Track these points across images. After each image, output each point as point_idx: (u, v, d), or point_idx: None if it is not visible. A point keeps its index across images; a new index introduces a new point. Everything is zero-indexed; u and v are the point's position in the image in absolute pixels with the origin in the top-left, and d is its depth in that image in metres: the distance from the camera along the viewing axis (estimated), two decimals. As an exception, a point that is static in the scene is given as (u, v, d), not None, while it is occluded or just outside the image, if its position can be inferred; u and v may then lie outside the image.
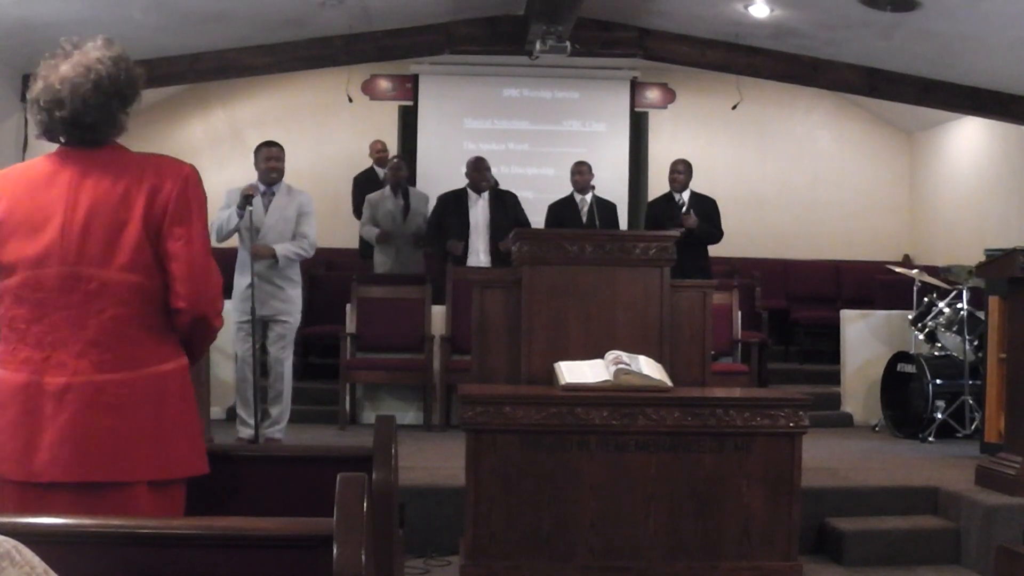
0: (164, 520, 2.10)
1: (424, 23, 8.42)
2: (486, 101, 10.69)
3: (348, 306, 7.49)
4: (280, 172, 6.10)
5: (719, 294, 6.83)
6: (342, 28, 8.13)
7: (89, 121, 2.47)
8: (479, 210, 7.75)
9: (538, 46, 7.77)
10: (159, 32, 7.35)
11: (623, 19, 8.48)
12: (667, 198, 7.91)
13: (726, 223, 7.87)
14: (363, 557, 1.82)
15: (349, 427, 7.14)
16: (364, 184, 9.27)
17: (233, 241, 6.09)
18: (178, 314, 2.51)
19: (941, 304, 6.98)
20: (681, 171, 7.81)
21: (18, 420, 2.43)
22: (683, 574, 4.18)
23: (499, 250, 7.52)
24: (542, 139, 10.68)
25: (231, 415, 6.64)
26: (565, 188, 8.18)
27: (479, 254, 7.69)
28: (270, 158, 6.07)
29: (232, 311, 5.78)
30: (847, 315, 8.02)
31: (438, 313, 7.42)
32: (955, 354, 6.92)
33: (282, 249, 5.99)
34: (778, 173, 10.99)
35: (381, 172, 9.17)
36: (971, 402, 6.68)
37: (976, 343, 6.65)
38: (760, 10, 7.59)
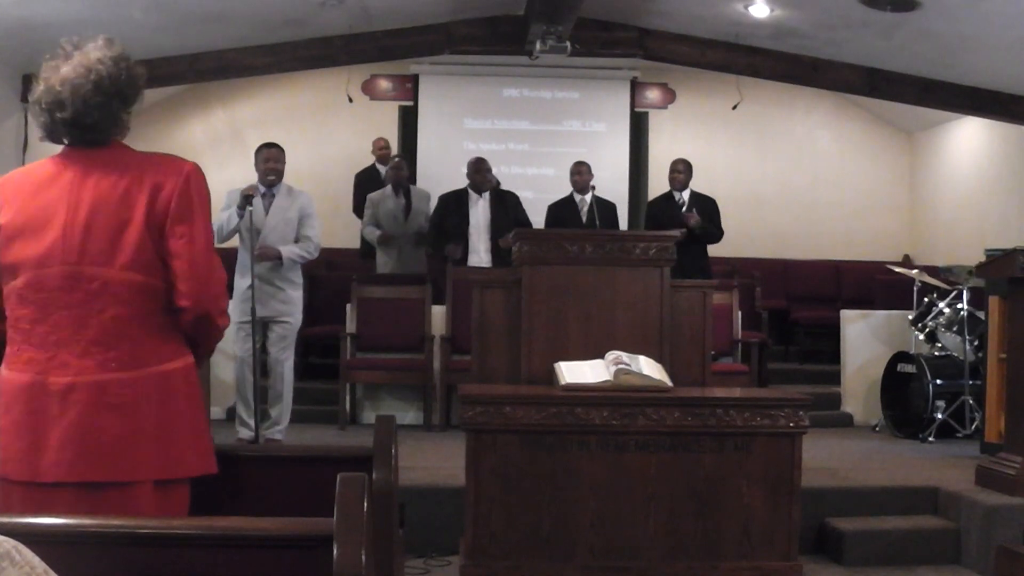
0: (164, 520, 2.10)
1: (424, 23, 8.43)
2: (486, 101, 10.69)
3: (348, 306, 7.49)
4: (279, 174, 6.09)
5: (719, 294, 6.83)
6: (342, 28, 8.13)
7: (90, 121, 2.47)
8: (480, 210, 7.75)
9: (538, 46, 7.77)
10: (159, 32, 7.35)
11: (623, 19, 8.48)
12: (667, 197, 7.91)
13: (726, 223, 7.87)
14: (363, 557, 1.82)
15: (349, 427, 7.14)
16: (365, 182, 9.28)
17: (233, 242, 6.09)
18: (182, 313, 2.50)
19: (941, 304, 6.98)
20: (681, 170, 7.81)
21: (23, 420, 2.44)
22: (683, 574, 4.18)
23: (500, 250, 7.52)
24: (542, 139, 10.68)
25: (231, 415, 6.64)
26: (565, 188, 8.18)
27: (480, 254, 7.69)
28: (268, 159, 6.07)
29: (232, 312, 5.76)
30: (847, 315, 8.02)
31: (438, 313, 7.42)
32: (955, 354, 6.92)
33: (288, 252, 6.00)
34: (778, 173, 10.99)
35: (383, 170, 9.17)
36: (971, 402, 6.68)
37: (976, 343, 6.64)
38: (760, 10, 7.59)
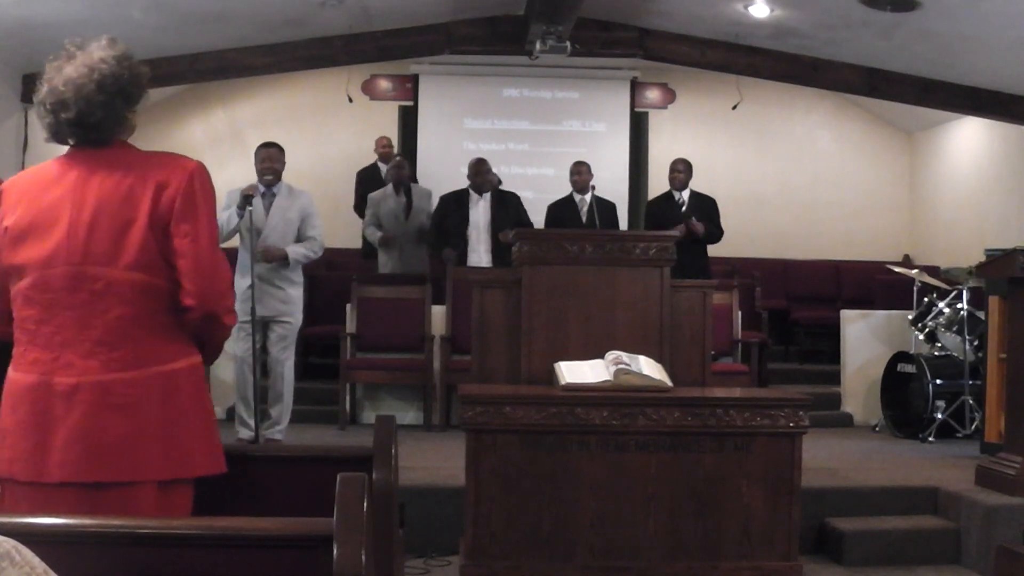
0: (164, 520, 2.11)
1: (424, 23, 8.43)
2: (486, 101, 10.69)
3: (348, 306, 7.49)
4: (276, 173, 6.08)
5: (719, 294, 6.83)
6: (342, 28, 8.13)
7: (94, 121, 2.47)
8: (480, 211, 7.75)
9: (538, 46, 7.77)
10: (159, 32, 7.35)
11: (623, 19, 8.48)
12: (667, 197, 7.91)
13: (726, 223, 7.87)
14: (363, 557, 1.82)
15: (349, 427, 7.14)
16: (366, 180, 9.29)
17: (233, 242, 6.09)
18: (187, 312, 2.49)
19: (941, 304, 6.98)
20: (681, 170, 7.81)
21: (29, 421, 2.44)
22: (683, 574, 4.18)
23: (500, 251, 7.52)
24: (542, 139, 10.69)
25: (231, 415, 6.64)
26: (565, 188, 8.18)
27: (480, 255, 7.69)
28: (265, 159, 6.07)
29: (233, 312, 5.76)
30: (847, 315, 8.02)
31: (438, 313, 7.42)
32: (955, 354, 6.92)
33: (293, 252, 6.00)
34: (778, 173, 10.99)
35: (384, 169, 9.18)
36: (971, 402, 6.68)
37: (976, 343, 6.64)
38: (760, 10, 7.59)
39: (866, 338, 7.84)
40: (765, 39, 8.24)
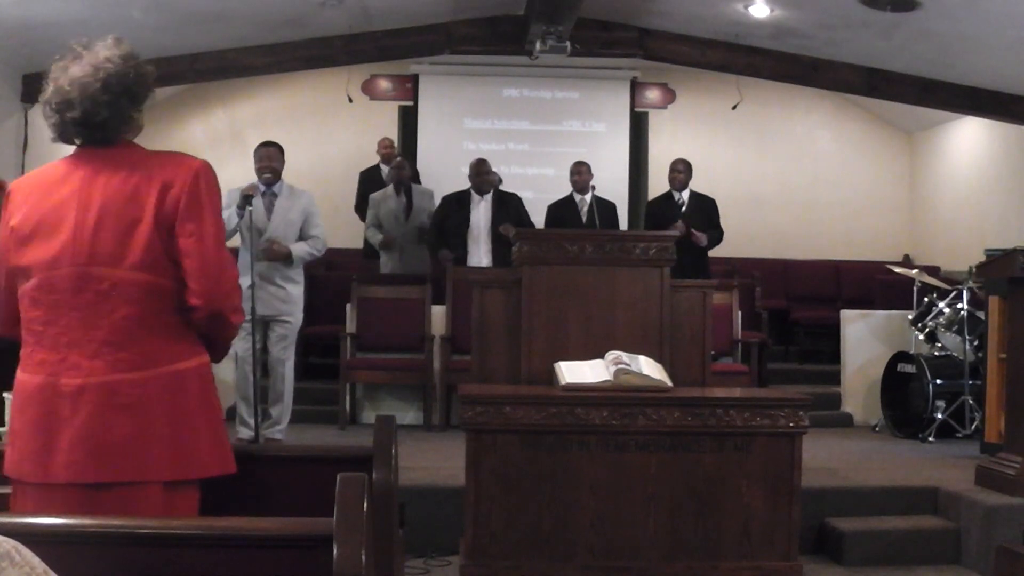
0: (164, 520, 2.11)
1: (424, 23, 8.43)
2: (486, 101, 10.69)
3: (348, 306, 7.49)
4: (274, 172, 6.07)
5: (719, 294, 6.83)
6: (342, 28, 8.13)
7: (99, 120, 2.47)
8: (481, 212, 7.75)
9: (538, 46, 7.77)
10: (159, 32, 7.35)
11: (623, 19, 8.48)
12: (666, 197, 7.91)
13: (726, 223, 7.87)
14: (363, 557, 1.82)
15: (349, 427, 7.14)
16: (368, 181, 9.29)
17: (234, 241, 6.08)
18: (194, 311, 2.49)
19: (941, 304, 6.98)
20: (681, 170, 7.81)
21: (36, 422, 2.44)
22: (683, 574, 4.18)
23: (500, 251, 7.52)
24: (542, 139, 10.69)
25: (231, 415, 6.63)
26: (565, 188, 8.18)
27: (480, 255, 7.69)
28: (264, 158, 6.07)
29: (234, 311, 5.76)
30: (847, 315, 8.02)
31: (438, 313, 7.42)
32: (955, 354, 6.92)
33: (297, 250, 6.00)
34: (778, 173, 10.99)
35: (386, 170, 9.19)
36: (971, 402, 6.68)
37: (976, 343, 6.64)
38: (760, 10, 7.59)
39: (866, 338, 7.84)
40: (765, 39, 8.25)
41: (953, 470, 5.59)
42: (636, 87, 10.77)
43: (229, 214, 5.90)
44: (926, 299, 7.11)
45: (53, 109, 2.48)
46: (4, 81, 7.77)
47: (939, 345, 7.04)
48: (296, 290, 6.11)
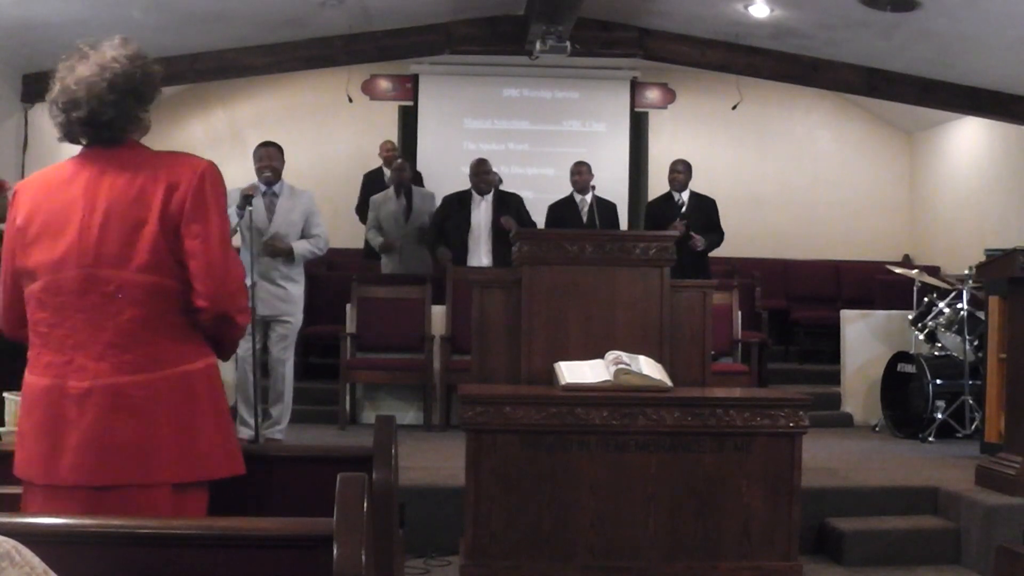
0: (164, 520, 2.11)
1: (424, 23, 8.43)
2: (486, 101, 10.69)
3: (348, 306, 7.49)
4: (275, 171, 6.07)
5: (719, 294, 6.83)
6: (342, 28, 8.13)
7: (105, 120, 2.46)
8: (482, 212, 7.74)
9: (538, 46, 7.78)
10: (159, 32, 7.35)
11: (623, 19, 8.48)
12: (666, 198, 7.91)
13: (726, 223, 7.87)
14: (363, 557, 1.82)
15: (349, 427, 7.14)
16: (370, 183, 9.30)
17: (234, 241, 6.08)
18: (200, 313, 2.48)
19: (941, 304, 6.98)
20: (681, 171, 7.81)
21: (43, 424, 2.44)
22: (683, 574, 4.18)
23: (500, 252, 7.52)
24: (542, 139, 10.69)
25: (231, 415, 6.64)
26: (565, 188, 8.18)
27: (480, 255, 7.69)
28: (263, 158, 6.07)
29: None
30: (847, 315, 8.02)
31: (438, 313, 7.42)
32: (955, 354, 6.92)
33: (299, 248, 6.01)
34: (778, 173, 10.99)
35: (388, 173, 9.19)
36: (971, 402, 6.68)
37: (976, 343, 6.64)
38: (760, 10, 7.59)
39: (866, 338, 7.84)
40: (765, 39, 8.25)
41: (953, 470, 5.59)
42: (636, 87, 10.78)
43: (229, 214, 5.90)
44: (926, 299, 7.11)
45: (60, 108, 2.48)
46: (4, 81, 7.77)
47: (939, 345, 7.04)
48: (297, 290, 6.11)
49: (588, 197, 7.72)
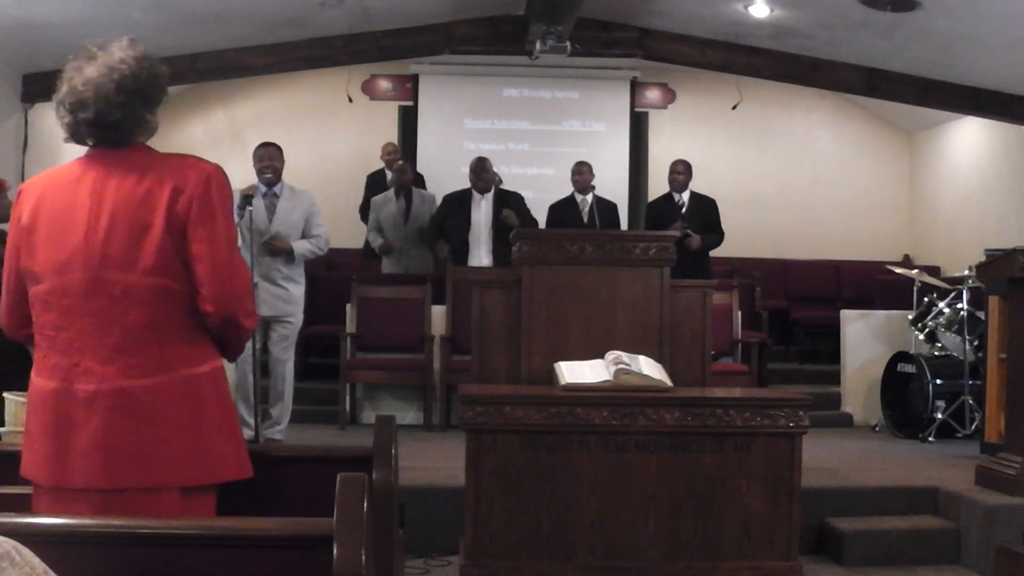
0: (164, 520, 2.11)
1: (424, 23, 8.43)
2: (486, 101, 10.70)
3: (348, 306, 7.49)
4: (275, 172, 6.07)
5: (719, 294, 6.83)
6: (342, 28, 8.14)
7: (112, 121, 2.46)
8: (482, 211, 7.74)
9: (538, 46, 7.78)
10: (159, 32, 7.35)
11: (623, 19, 8.48)
12: (667, 198, 7.92)
13: (726, 223, 7.87)
14: (363, 557, 1.82)
15: (349, 427, 7.14)
16: (373, 184, 9.31)
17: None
18: (207, 317, 2.48)
19: (941, 304, 6.98)
20: (681, 171, 7.81)
21: (50, 427, 2.44)
22: (683, 574, 4.18)
23: (500, 251, 7.51)
24: (542, 139, 10.69)
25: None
26: (565, 188, 8.18)
27: (481, 255, 7.69)
28: (263, 158, 6.07)
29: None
30: (847, 315, 8.02)
31: (438, 313, 7.42)
32: (955, 354, 6.92)
33: (300, 247, 6.01)
34: (778, 173, 11.00)
35: (390, 174, 9.20)
36: (971, 402, 6.68)
37: (976, 343, 6.65)
38: (760, 10, 7.59)
39: (866, 338, 7.84)
40: (765, 39, 8.25)
41: (953, 470, 5.59)
42: (636, 87, 10.78)
43: (231, 215, 5.90)
44: (926, 299, 7.11)
45: (67, 109, 2.47)
46: (4, 81, 7.77)
47: (939, 345, 7.04)
48: (297, 290, 6.11)
49: (589, 197, 7.72)
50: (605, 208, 7.70)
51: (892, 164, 11.12)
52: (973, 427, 6.65)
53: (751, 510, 4.19)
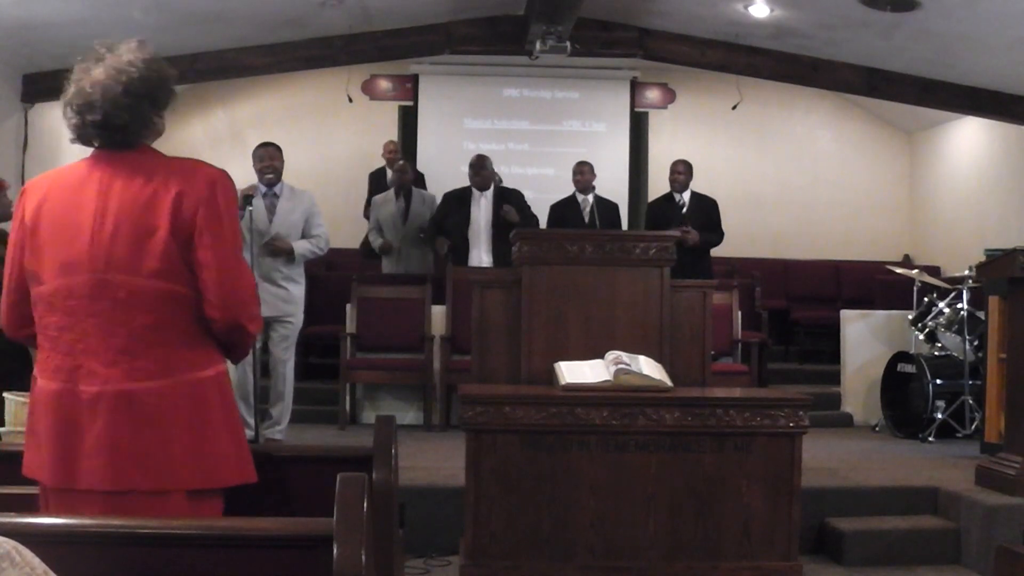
0: (164, 520, 2.11)
1: (424, 23, 8.43)
2: (486, 101, 10.70)
3: (348, 306, 7.49)
4: (275, 172, 6.07)
5: (719, 294, 6.83)
6: (342, 28, 8.13)
7: (119, 123, 2.46)
8: (482, 209, 7.75)
9: (538, 46, 7.78)
10: (159, 32, 7.34)
11: (623, 19, 8.48)
12: (667, 198, 7.92)
13: (726, 223, 7.87)
14: (363, 557, 1.83)
15: (349, 427, 7.14)
16: (375, 183, 9.31)
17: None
18: (212, 322, 2.48)
19: (941, 304, 6.98)
20: (681, 171, 7.82)
21: (55, 428, 2.43)
22: (683, 574, 4.18)
23: (500, 251, 7.51)
24: (542, 139, 10.69)
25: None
26: (565, 188, 8.18)
27: (481, 253, 7.69)
28: (263, 159, 6.07)
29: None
30: (847, 315, 8.02)
31: (438, 313, 7.42)
32: (955, 354, 6.92)
33: (300, 248, 6.01)
34: (778, 173, 11.00)
35: (391, 173, 9.20)
36: (971, 402, 6.68)
37: (976, 343, 6.65)
38: (760, 10, 7.59)
39: (866, 338, 7.84)
40: (765, 39, 8.25)
41: (953, 470, 5.59)
42: (636, 87, 10.78)
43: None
44: (926, 299, 7.11)
45: (74, 111, 2.47)
46: (4, 81, 7.77)
47: (939, 345, 7.04)
48: (298, 290, 6.11)
49: (590, 197, 7.72)
50: (606, 208, 7.70)
51: (892, 164, 11.12)
52: (973, 427, 6.65)
53: (751, 510, 4.19)
